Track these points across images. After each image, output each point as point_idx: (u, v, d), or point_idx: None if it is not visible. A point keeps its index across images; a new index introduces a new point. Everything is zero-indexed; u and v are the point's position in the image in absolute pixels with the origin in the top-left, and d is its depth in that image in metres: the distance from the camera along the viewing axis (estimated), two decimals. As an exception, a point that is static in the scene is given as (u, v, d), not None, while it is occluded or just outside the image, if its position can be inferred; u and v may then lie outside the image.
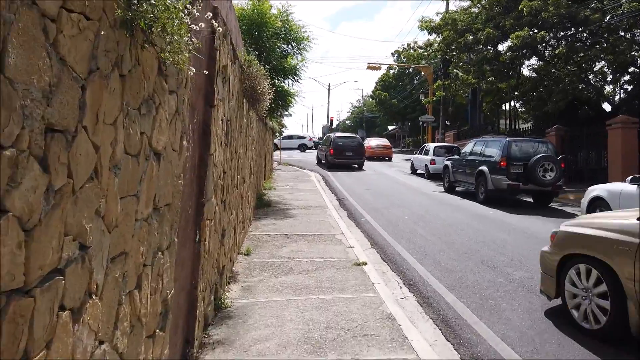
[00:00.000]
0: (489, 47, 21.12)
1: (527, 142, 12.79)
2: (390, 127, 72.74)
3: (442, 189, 16.45)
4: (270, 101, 7.27)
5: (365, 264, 6.93)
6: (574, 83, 17.86)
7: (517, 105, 31.10)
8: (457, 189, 15.56)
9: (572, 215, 11.37)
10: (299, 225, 9.90)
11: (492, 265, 6.99)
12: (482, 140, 13.96)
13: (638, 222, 4.11)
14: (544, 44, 22.41)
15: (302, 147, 28.59)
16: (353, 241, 8.60)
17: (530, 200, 13.63)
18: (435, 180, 19.64)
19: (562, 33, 18.42)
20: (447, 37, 23.12)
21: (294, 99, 14.92)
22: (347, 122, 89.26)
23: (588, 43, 17.58)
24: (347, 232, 9.54)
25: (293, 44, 14.25)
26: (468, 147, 14.83)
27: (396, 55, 58.52)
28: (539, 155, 11.94)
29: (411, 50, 35.72)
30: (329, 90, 61.45)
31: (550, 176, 11.90)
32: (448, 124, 38.29)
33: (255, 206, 11.68)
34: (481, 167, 13.13)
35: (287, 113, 25.15)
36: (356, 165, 25.11)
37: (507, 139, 12.67)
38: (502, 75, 26.11)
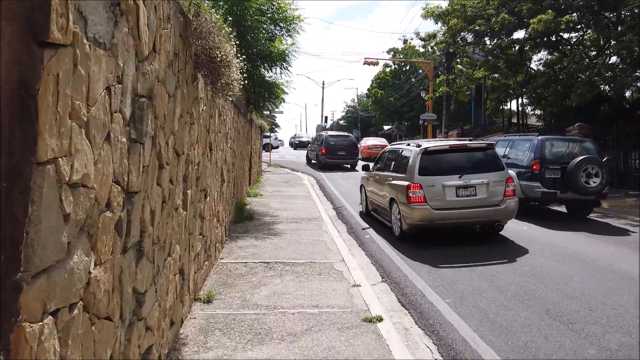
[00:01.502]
0: (502, 36, 18.95)
1: (563, 141, 10.60)
2: (385, 127, 70.66)
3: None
4: (241, 81, 5.03)
5: (380, 319, 4.69)
6: (601, 74, 15.74)
7: (524, 102, 29.08)
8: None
9: (624, 231, 9.24)
10: (286, 247, 7.67)
11: (566, 321, 4.77)
12: (506, 139, 11.79)
13: None
14: (560, 35, 20.36)
15: (266, 147, 26.54)
16: (358, 274, 6.37)
17: (562, 209, 11.49)
18: None
19: (591, 17, 16.29)
20: (454, 26, 20.96)
21: (282, 90, 12.72)
22: (341, 121, 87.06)
23: (620, 29, 15.47)
24: (348, 257, 7.32)
25: (281, 25, 12.01)
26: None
27: (392, 53, 56.62)
28: (581, 158, 9.77)
29: (411, 42, 33.25)
30: (323, 88, 59.27)
31: (594, 183, 9.74)
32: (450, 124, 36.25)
33: (234, 220, 9.44)
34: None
35: (277, 109, 22.96)
36: (349, 166, 23.70)
37: (540, 137, 10.49)
38: (515, 67, 24.07)
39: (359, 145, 28.94)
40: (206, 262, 5.74)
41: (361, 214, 11.27)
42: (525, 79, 26.95)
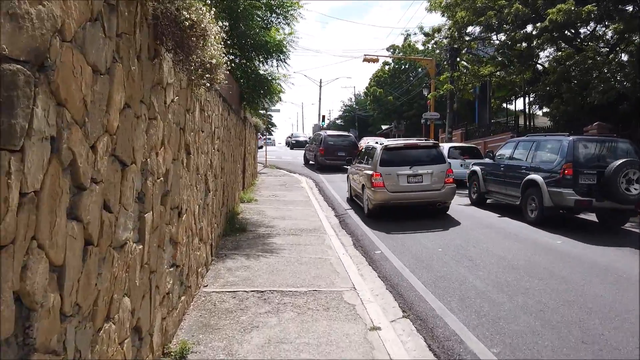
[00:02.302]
0: (515, 28, 17.72)
1: (597, 141, 9.36)
2: (384, 127, 69.51)
3: (467, 200, 13.05)
4: (225, 62, 3.78)
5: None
6: (622, 70, 14.56)
7: (531, 100, 27.89)
8: (487, 201, 12.17)
9: (673, 246, 8.02)
10: (284, 268, 6.41)
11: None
12: (529, 139, 10.55)
13: None
14: (577, 28, 19.18)
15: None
16: (373, 308, 5.12)
17: (593, 218, 10.28)
18: None
19: (613, 8, 15.07)
20: (460, 19, 19.75)
21: (279, 85, 11.46)
22: (338, 121, 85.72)
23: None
24: (358, 281, 6.08)
25: (278, 11, 10.76)
26: (506, 149, 11.43)
27: (391, 50, 55.32)
28: (621, 161, 8.55)
29: (414, 36, 31.75)
30: (320, 86, 58.01)
31: (636, 190, 8.52)
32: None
33: (223, 232, 8.18)
34: (531, 176, 9.73)
35: (273, 107, 21.66)
36: (349, 167, 22.15)
37: (572, 137, 9.26)
38: (523, 64, 22.89)
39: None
40: (183, 297, 4.48)
41: (364, 215, 10.08)
42: (533, 77, 25.81)
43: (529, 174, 9.91)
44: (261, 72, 11.37)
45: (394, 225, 9.71)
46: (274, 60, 10.95)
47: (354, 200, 12.67)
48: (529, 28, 18.33)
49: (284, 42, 10.68)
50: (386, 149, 10.48)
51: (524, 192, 9.97)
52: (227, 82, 7.12)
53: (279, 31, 10.89)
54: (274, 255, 7.08)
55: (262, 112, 24.15)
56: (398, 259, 7.21)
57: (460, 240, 8.31)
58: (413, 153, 10.49)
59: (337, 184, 17.00)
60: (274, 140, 54.40)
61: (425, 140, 11.81)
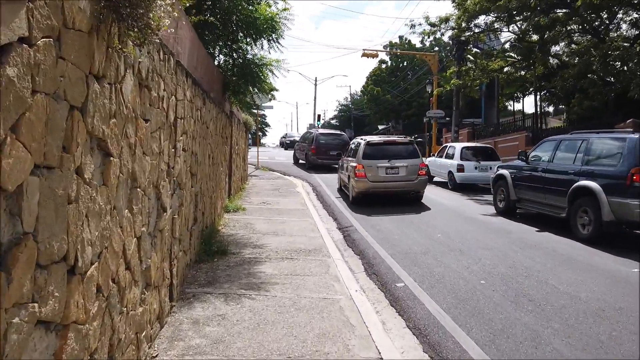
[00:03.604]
0: (540, 11, 15.88)
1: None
2: (380, 127, 67.74)
3: (489, 209, 11.19)
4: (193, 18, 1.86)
5: None
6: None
7: (543, 97, 26.11)
8: (517, 210, 10.29)
9: None
10: (275, 320, 4.47)
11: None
12: (577, 137, 8.64)
13: None
14: (601, 18, 17.43)
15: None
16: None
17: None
18: (464, 193, 14.44)
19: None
20: (471, 7, 17.92)
21: (272, 71, 9.53)
22: (333, 120, 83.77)
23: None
24: (384, 342, 4.16)
25: (269, -21, 8.84)
26: (543, 150, 9.52)
27: (388, 47, 53.44)
28: None
29: (418, 28, 29.40)
30: (315, 85, 56.18)
31: None
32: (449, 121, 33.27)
33: (196, 259, 6.24)
34: (583, 183, 7.86)
35: (264, 101, 19.63)
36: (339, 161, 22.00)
37: (637, 135, 7.39)
38: (535, 57, 21.11)
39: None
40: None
41: (369, 227, 8.19)
42: (545, 72, 24.06)
43: (578, 180, 8.03)
44: (249, 56, 9.44)
45: (416, 246, 7.81)
46: (265, 41, 9.03)
47: (342, 190, 14.07)
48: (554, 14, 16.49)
49: (277, 19, 8.77)
50: (368, 144, 11.91)
51: (573, 202, 8.09)
52: (190, 46, 5.20)
53: (270, 7, 8.97)
54: (261, 295, 5.14)
55: (255, 110, 22.23)
56: (431, 298, 5.30)
57: (505, 267, 6.40)
58: (392, 148, 11.87)
59: (337, 188, 15.07)
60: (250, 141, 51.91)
61: (404, 137, 13.16)
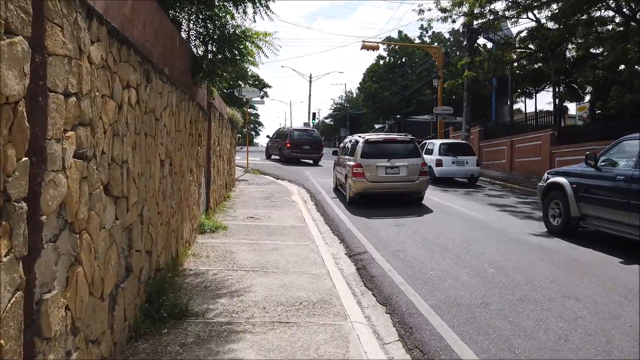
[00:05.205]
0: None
1: None
2: (377, 125, 65.42)
3: (536, 226, 8.90)
4: None
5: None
6: None
7: (561, 91, 23.83)
8: (578, 229, 7.96)
9: None
10: None
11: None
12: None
13: None
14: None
15: None
16: None
17: None
18: (440, 185, 15.34)
19: None
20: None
21: (259, 47, 7.12)
22: (328, 120, 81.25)
23: None
24: None
25: None
26: (622, 153, 7.15)
27: (386, 44, 51.07)
28: None
29: (427, 14, 26.85)
30: (310, 82, 53.67)
31: None
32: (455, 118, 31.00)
33: (133, 332, 3.82)
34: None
35: (247, 90, 17.10)
36: (311, 161, 23.94)
37: None
38: (555, 49, 18.90)
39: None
40: None
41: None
42: (563, 65, 21.87)
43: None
44: (229, 28, 7.00)
45: (464, 289, 5.43)
46: (249, 4, 6.63)
47: (338, 189, 13.62)
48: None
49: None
50: (367, 142, 11.37)
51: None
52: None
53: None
54: None
55: (246, 108, 19.85)
56: None
57: (626, 341, 4.04)
58: (391, 147, 11.36)
59: (337, 191, 12.67)
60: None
61: (404, 135, 12.44)
